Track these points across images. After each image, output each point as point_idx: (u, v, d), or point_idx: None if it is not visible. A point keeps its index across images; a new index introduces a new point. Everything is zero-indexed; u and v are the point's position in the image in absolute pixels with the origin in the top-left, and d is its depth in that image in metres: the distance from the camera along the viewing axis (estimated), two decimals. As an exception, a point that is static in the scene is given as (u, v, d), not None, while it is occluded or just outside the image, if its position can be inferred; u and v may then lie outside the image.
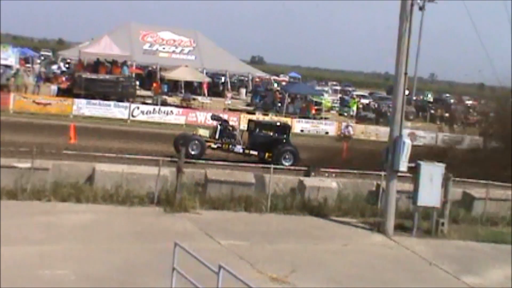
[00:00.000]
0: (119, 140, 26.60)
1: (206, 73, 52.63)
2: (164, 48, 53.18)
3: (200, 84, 50.80)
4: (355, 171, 19.73)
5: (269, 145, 23.81)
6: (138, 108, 37.57)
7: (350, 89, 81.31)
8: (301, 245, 14.80)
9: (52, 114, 34.46)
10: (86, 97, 37.33)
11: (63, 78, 45.22)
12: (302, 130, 39.55)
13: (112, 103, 37.05)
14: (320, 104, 49.93)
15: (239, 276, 8.24)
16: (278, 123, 27.52)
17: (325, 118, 45.90)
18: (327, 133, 40.70)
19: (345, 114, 53.12)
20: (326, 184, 18.79)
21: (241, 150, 23.81)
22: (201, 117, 37.83)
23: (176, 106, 41.66)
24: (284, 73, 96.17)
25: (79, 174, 16.97)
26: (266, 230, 15.74)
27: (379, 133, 39.19)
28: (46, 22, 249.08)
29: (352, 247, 15.22)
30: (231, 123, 28.72)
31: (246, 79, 60.50)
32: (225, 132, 24.25)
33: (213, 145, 23.70)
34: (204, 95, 48.80)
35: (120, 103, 37.42)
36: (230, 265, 8.72)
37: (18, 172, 15.98)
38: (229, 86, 54.89)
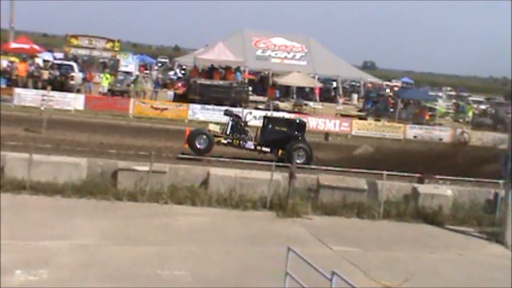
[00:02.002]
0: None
1: (318, 79, 52.53)
2: (276, 54, 53.57)
3: (312, 89, 50.78)
4: (471, 179, 19.06)
5: (282, 142, 23.05)
6: (250, 113, 37.96)
7: (465, 94, 78.74)
8: (415, 253, 14.46)
9: (168, 119, 35.46)
10: (200, 102, 38.17)
11: (179, 84, 46.43)
12: (415, 136, 38.68)
13: (225, 108, 37.66)
14: (434, 110, 48.69)
15: (352, 283, 8.15)
16: (292, 120, 26.80)
17: (439, 124, 44.66)
18: (441, 139, 39.56)
19: (461, 120, 51.50)
20: (440, 191, 18.29)
21: (252, 146, 23.25)
22: (312, 123, 37.77)
23: (288, 111, 41.80)
24: (396, 78, 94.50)
25: (195, 178, 17.39)
26: (379, 237, 15.50)
27: (497, 140, 37.65)
28: (164, 30, 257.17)
29: (469, 257, 14.71)
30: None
31: (358, 84, 59.89)
32: (236, 127, 23.74)
33: (223, 141, 23.27)
34: (315, 100, 48.75)
35: (233, 108, 37.97)
36: (342, 271, 8.64)
37: (138, 175, 16.58)
38: (340, 92, 54.53)
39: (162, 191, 16.38)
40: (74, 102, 35.72)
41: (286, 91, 50.69)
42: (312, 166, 18.27)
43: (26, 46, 47.20)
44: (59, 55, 54.06)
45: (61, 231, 13.09)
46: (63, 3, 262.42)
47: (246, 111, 37.84)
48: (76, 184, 16.19)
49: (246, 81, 47.60)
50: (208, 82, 41.27)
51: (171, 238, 13.46)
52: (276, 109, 41.72)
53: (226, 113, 25.31)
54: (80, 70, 44.24)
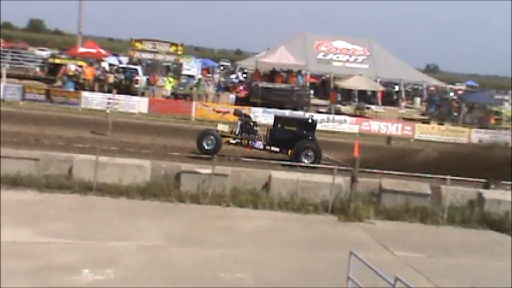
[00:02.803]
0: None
1: (380, 82, 52.01)
2: (338, 57, 53.27)
3: (374, 93, 50.30)
4: (541, 185, 18.50)
5: (291, 142, 22.68)
6: (312, 116, 37.90)
7: (533, 97, 76.48)
8: (481, 260, 14.13)
9: (230, 122, 35.64)
10: (262, 105, 38.28)
11: (241, 87, 46.68)
12: (480, 141, 37.83)
13: (287, 111, 37.68)
14: (500, 113, 47.52)
15: (417, 290, 8.03)
16: (303, 119, 26.34)
17: (505, 129, 43.54)
18: (507, 144, 38.54)
19: (529, 124, 50.10)
20: (507, 197, 17.81)
21: (261, 146, 22.99)
22: (374, 126, 37.46)
23: (350, 115, 41.53)
24: (460, 81, 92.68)
25: (256, 181, 17.44)
26: (443, 243, 15.21)
27: None
28: (226, 34, 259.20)
29: (537, 266, 14.28)
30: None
31: (421, 88, 58.98)
32: (245, 127, 23.49)
33: (231, 141, 23.09)
34: (378, 104, 48.26)
35: (295, 112, 37.97)
36: (405, 277, 8.51)
37: (200, 177, 16.75)
38: (403, 95, 53.81)
39: (224, 193, 16.50)
40: (138, 105, 36.37)
41: (347, 95, 50.32)
42: (374, 170, 18.02)
43: (93, 51, 48.39)
44: (124, 59, 55.09)
45: (126, 232, 13.35)
46: (129, 9, 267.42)
47: (307, 114, 37.79)
48: (140, 186, 16.47)
49: (308, 84, 47.50)
50: (269, 85, 41.38)
51: (233, 241, 13.54)
52: (338, 112, 41.50)
53: (236, 112, 25.24)
54: (144, 74, 44.98)
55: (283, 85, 41.88)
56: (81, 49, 49.38)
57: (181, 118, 35.12)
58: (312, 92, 46.63)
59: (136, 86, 41.46)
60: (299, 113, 36.99)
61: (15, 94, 35.70)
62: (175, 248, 12.69)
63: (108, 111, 31.20)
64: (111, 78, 41.27)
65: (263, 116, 36.92)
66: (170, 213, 15.15)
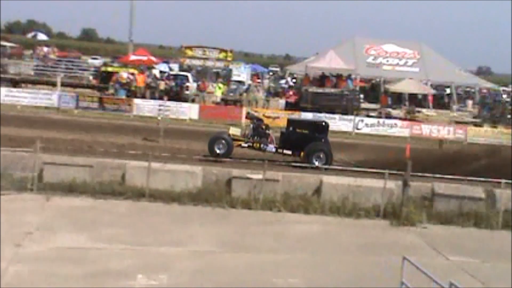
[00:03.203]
0: (345, 153, 26.80)
1: (431, 85, 51.30)
2: (387, 61, 52.76)
3: (425, 96, 49.64)
4: None
5: (303, 144, 22.28)
6: (362, 121, 37.67)
7: None
8: (538, 266, 13.79)
9: (280, 127, 35.63)
10: (312, 110, 38.18)
11: (291, 92, 46.62)
12: (535, 143, 36.98)
13: (337, 116, 37.52)
14: (556, 115, 46.31)
15: (472, 296, 7.90)
16: (315, 122, 25.90)
17: (562, 131, 42.41)
18: None
19: None
20: None
21: (273, 150, 22.67)
22: (426, 130, 36.96)
23: (400, 118, 41.07)
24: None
25: (307, 186, 17.42)
26: (498, 248, 14.89)
27: None
28: (274, 39, 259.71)
29: None
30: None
31: (473, 90, 57.93)
32: (257, 131, 23.25)
33: (243, 144, 22.81)
34: (429, 107, 47.60)
35: (345, 116, 37.78)
36: (460, 282, 8.40)
37: (251, 183, 16.82)
38: (454, 98, 52.95)
39: (275, 199, 16.52)
40: (189, 111, 36.70)
41: (398, 98, 49.75)
42: (426, 174, 17.77)
43: (144, 58, 49.04)
44: (175, 66, 55.72)
45: (179, 238, 13.48)
46: (179, 16, 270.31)
47: (358, 118, 37.56)
48: (192, 192, 16.62)
49: (358, 88, 47.19)
50: (319, 90, 41.24)
51: (285, 246, 13.54)
52: (388, 116, 41.11)
53: (248, 116, 25.02)
54: (195, 80, 45.39)
55: (332, 90, 41.68)
56: (133, 57, 50.09)
57: (231, 124, 35.23)
58: (362, 96, 46.28)
59: (187, 92, 41.85)
60: (347, 116, 36.64)
61: (70, 103, 36.42)
62: (227, 254, 12.76)
63: (159, 117, 31.58)
64: (162, 85, 41.74)
65: (313, 121, 36.88)
66: (222, 219, 15.25)
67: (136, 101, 37.09)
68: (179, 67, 51.06)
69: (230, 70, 51.73)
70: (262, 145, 22.75)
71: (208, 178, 17.43)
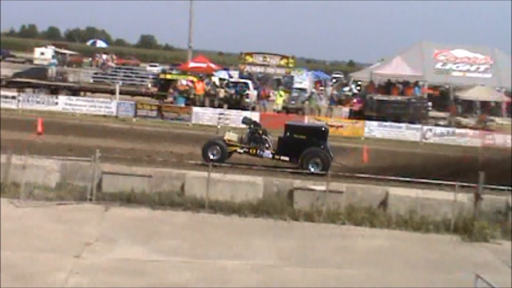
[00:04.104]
0: (412, 164, 26.44)
1: (505, 92, 50.17)
2: (457, 67, 51.90)
3: (498, 104, 48.56)
4: None
5: (301, 150, 21.91)
6: (430, 130, 37.12)
7: None
8: None
9: (344, 137, 35.48)
10: (377, 119, 37.86)
11: (355, 100, 46.39)
12: None
13: (403, 125, 37.11)
14: None
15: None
16: (314, 127, 25.61)
17: None
18: None
19: None
20: None
21: (270, 156, 22.47)
22: (499, 139, 36.08)
23: (472, 127, 40.27)
24: None
25: (373, 198, 17.25)
26: None
27: None
28: (337, 45, 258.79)
29: None
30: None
31: (551, 97, 56.42)
32: (254, 136, 23.00)
33: (239, 150, 22.66)
34: (502, 115, 46.54)
35: (412, 125, 37.32)
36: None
37: (314, 194, 16.75)
38: (531, 105, 51.64)
39: (339, 211, 16.41)
40: (249, 120, 36.84)
41: (469, 106, 48.84)
42: (501, 187, 17.36)
43: (203, 65, 49.62)
44: (235, 73, 56.14)
45: (239, 251, 13.54)
46: (238, 22, 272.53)
47: (425, 127, 37.02)
48: (252, 203, 16.66)
49: (426, 96, 46.53)
50: (385, 97, 40.90)
51: (349, 261, 13.44)
52: (458, 125, 40.38)
53: (244, 121, 24.72)
54: (255, 88, 45.61)
55: (399, 97, 41.26)
56: (192, 64, 50.76)
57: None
58: (430, 104, 45.61)
59: (247, 100, 42.09)
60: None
61: (128, 111, 37.13)
62: (289, 268, 12.74)
63: (219, 126, 31.88)
64: (221, 93, 42.12)
65: (378, 130, 36.55)
66: (283, 232, 15.23)
67: (195, 109, 37.52)
68: (239, 74, 51.40)
69: (292, 77, 51.80)
70: (258, 151, 22.63)
71: (269, 189, 17.45)
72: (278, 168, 21.16)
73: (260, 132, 23.20)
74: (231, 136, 23.16)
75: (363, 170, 20.63)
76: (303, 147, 22.04)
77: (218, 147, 22.19)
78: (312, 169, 21.04)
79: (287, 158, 22.29)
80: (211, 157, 21.82)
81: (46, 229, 13.89)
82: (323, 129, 23.87)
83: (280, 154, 22.42)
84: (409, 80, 42.99)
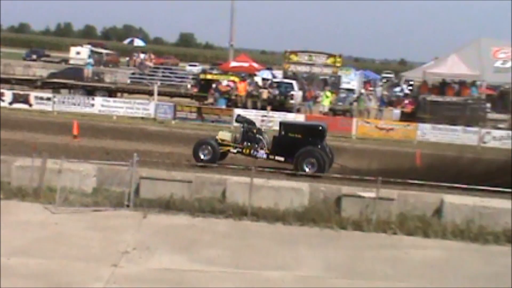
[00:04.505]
0: (468, 170, 26.09)
1: None
2: (519, 65, 51.04)
3: None
4: None
5: (296, 150, 21.90)
6: (489, 133, 36.62)
7: None
8: None
9: (395, 140, 35.26)
10: (431, 121, 37.49)
11: (406, 101, 46.06)
12: None
13: (459, 128, 36.70)
14: None
15: None
16: (310, 125, 25.37)
17: None
18: None
19: None
20: None
21: (264, 156, 22.53)
22: None
23: (533, 130, 39.56)
24: None
25: (426, 206, 17.06)
26: None
27: None
28: (388, 42, 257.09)
29: None
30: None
31: None
32: (247, 135, 23.03)
33: (232, 150, 22.78)
34: None
35: (469, 128, 36.86)
36: None
37: (363, 201, 16.65)
38: None
39: (390, 220, 16.26)
40: (294, 122, 36.83)
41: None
42: None
43: (245, 65, 49.84)
44: (278, 72, 56.24)
45: (283, 261, 13.53)
46: (282, 19, 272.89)
47: (484, 130, 36.52)
48: (297, 210, 16.62)
49: (484, 96, 45.90)
50: (439, 98, 40.54)
51: (401, 273, 13.31)
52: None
53: (238, 119, 24.88)
54: (300, 88, 45.60)
55: (454, 98, 40.84)
56: (233, 63, 51.03)
57: (340, 136, 35.20)
58: (488, 105, 44.98)
59: (291, 101, 42.16)
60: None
61: (167, 113, 37.51)
62: (336, 280, 12.69)
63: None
64: (265, 94, 42.25)
65: (431, 134, 36.20)
66: (330, 241, 15.17)
67: (237, 111, 37.61)
68: (283, 74, 51.45)
69: (339, 77, 51.68)
70: (252, 151, 22.72)
71: (316, 195, 17.41)
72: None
73: (255, 131, 23.37)
74: (224, 135, 23.40)
75: (415, 176, 20.48)
76: (298, 146, 22.13)
77: (209, 147, 22.43)
78: (307, 170, 21.18)
79: (282, 159, 22.46)
80: (202, 157, 22.17)
81: (82, 236, 14.09)
82: (320, 128, 23.81)
83: (274, 154, 22.60)
84: (465, 79, 42.51)
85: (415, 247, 15.13)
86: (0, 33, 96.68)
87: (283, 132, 22.96)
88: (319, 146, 22.43)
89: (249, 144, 22.90)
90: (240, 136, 23.25)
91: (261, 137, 23.09)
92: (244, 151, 22.88)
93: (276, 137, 23.09)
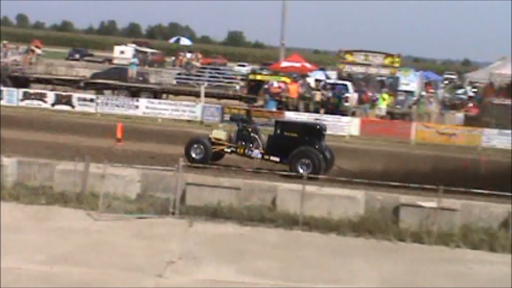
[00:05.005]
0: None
1: None
2: None
3: None
4: None
5: (292, 150, 22.03)
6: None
7: None
8: None
9: (458, 146, 34.81)
10: (497, 126, 36.92)
11: (470, 105, 45.53)
12: None
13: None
14: None
15: None
16: (308, 124, 25.71)
17: None
18: None
19: None
20: None
21: (259, 155, 22.69)
22: None
23: None
24: None
25: (493, 217, 16.83)
26: None
27: None
28: (450, 41, 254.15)
29: None
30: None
31: None
32: (242, 134, 23.18)
33: (226, 149, 22.99)
34: None
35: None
36: None
37: (423, 212, 16.48)
38: None
39: (452, 232, 16.06)
40: (348, 126, 36.73)
41: None
42: None
43: (297, 65, 49.80)
44: (332, 73, 56.07)
45: (337, 274, 13.46)
46: (336, 17, 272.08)
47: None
48: (352, 220, 16.53)
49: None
50: (506, 102, 39.88)
51: (466, 289, 13.15)
52: None
53: (232, 117, 25.36)
54: (355, 90, 45.39)
55: (524, 102, 40.18)
56: (284, 63, 51.03)
57: (398, 141, 34.92)
58: None
59: (346, 104, 41.96)
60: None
61: (214, 115, 37.68)
62: (394, 295, 12.59)
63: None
64: (317, 96, 42.14)
65: (498, 139, 35.64)
66: (387, 254, 15.04)
67: (288, 114, 37.68)
68: (337, 75, 51.27)
69: (397, 78, 51.20)
70: (247, 151, 22.89)
71: (372, 204, 17.30)
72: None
73: (250, 129, 23.53)
74: (219, 134, 23.61)
75: (480, 185, 20.21)
76: (294, 146, 22.31)
77: (202, 146, 22.73)
78: (301, 171, 21.18)
79: (277, 159, 22.67)
80: (194, 156, 22.49)
81: (126, 245, 14.24)
82: (317, 127, 24.01)
83: (270, 154, 22.78)
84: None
85: (480, 262, 14.91)
86: None
87: (278, 131, 23.23)
88: (316, 146, 22.62)
89: (243, 143, 23.21)
90: (235, 136, 23.58)
91: (256, 136, 23.37)
92: (238, 150, 23.22)
93: (272, 136, 23.35)
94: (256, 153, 22.97)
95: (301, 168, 21.71)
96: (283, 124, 24.34)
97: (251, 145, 23.12)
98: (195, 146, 22.87)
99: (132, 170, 18.12)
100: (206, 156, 22.61)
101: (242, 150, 23.16)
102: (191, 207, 16.84)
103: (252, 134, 23.36)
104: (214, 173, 19.34)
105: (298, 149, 22.18)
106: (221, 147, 23.27)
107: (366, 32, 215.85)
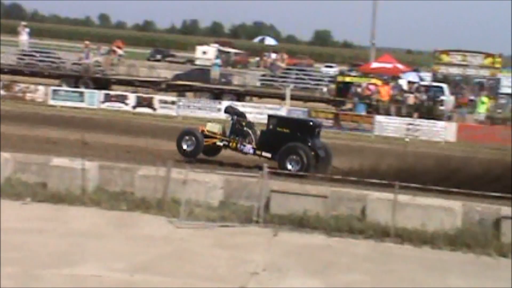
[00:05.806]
0: None
1: None
2: None
3: None
4: None
5: (283, 145, 22.03)
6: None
7: None
8: None
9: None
10: None
11: None
12: None
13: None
14: None
15: None
16: (300, 120, 26.07)
17: None
18: None
19: None
20: None
21: (251, 151, 22.78)
22: None
23: None
24: None
25: None
26: None
27: None
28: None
29: None
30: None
31: None
32: (235, 128, 23.30)
33: (218, 142, 23.07)
34: None
35: None
36: None
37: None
38: None
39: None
40: (444, 132, 36.20)
41: None
42: None
43: (389, 66, 49.42)
44: (427, 75, 55.37)
45: (432, 290, 13.25)
46: (431, 14, 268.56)
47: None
48: (448, 233, 16.22)
49: None
50: None
51: None
52: None
53: (227, 110, 25.19)
54: (452, 93, 44.69)
55: None
56: (375, 64, 50.72)
57: (498, 148, 34.14)
58: None
59: (442, 108, 41.38)
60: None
61: (300, 119, 37.63)
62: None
63: (407, 139, 31.51)
64: (410, 99, 41.69)
65: None
66: (487, 270, 14.71)
67: (379, 118, 37.42)
68: (432, 77, 50.60)
69: (498, 80, 50.17)
70: (239, 145, 23.12)
71: (470, 216, 16.96)
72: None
73: (244, 124, 23.74)
74: (213, 127, 23.93)
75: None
76: (286, 142, 22.49)
77: (193, 138, 23.04)
78: (290, 167, 21.50)
79: (269, 155, 22.79)
80: (185, 148, 23.03)
81: (208, 254, 14.35)
82: (310, 123, 24.49)
83: (261, 149, 22.98)
84: None
85: None
86: None
87: (271, 126, 23.47)
88: (309, 144, 22.66)
89: (237, 137, 23.48)
90: (229, 129, 23.93)
91: (250, 131, 23.61)
92: (231, 144, 23.49)
93: (264, 132, 23.61)
94: (248, 148, 23.36)
95: (290, 164, 22.03)
96: (276, 119, 24.52)
97: (243, 139, 23.51)
98: (187, 138, 23.34)
99: (214, 176, 18.24)
100: (197, 148, 23.20)
101: (234, 144, 23.54)
102: (276, 216, 16.83)
103: (245, 128, 23.75)
104: (300, 180, 19.29)
105: (287, 145, 22.51)
106: (213, 140, 23.68)
107: (463, 31, 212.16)
